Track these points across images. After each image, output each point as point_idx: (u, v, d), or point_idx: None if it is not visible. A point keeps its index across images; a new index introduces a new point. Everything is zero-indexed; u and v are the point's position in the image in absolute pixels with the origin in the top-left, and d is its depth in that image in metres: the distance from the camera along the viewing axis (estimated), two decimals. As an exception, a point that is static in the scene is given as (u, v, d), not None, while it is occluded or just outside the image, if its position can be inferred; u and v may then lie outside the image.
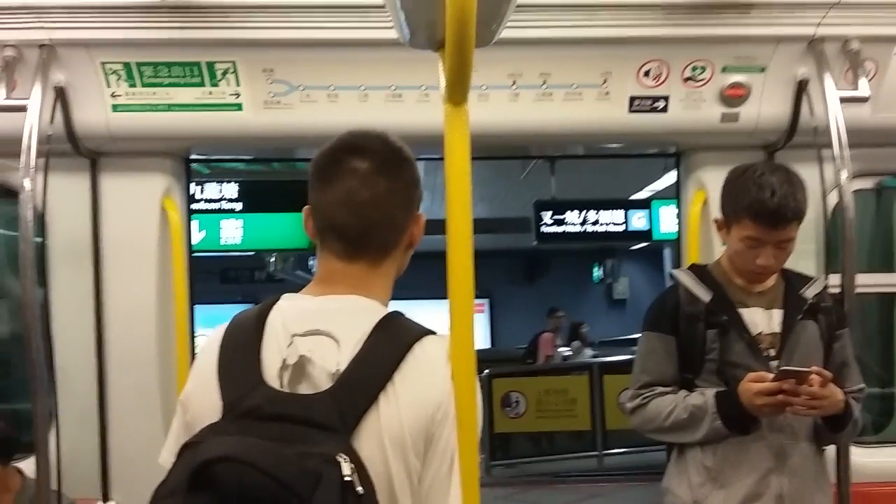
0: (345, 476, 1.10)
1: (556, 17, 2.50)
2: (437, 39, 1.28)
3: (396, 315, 1.31)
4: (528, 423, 7.84)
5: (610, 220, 8.60)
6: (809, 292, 2.21)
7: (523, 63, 2.60)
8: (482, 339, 14.62)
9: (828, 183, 2.57)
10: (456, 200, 1.27)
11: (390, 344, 1.25)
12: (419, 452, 1.22)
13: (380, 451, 1.19)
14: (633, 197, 9.66)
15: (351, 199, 1.33)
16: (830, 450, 2.35)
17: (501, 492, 7.15)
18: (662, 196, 8.97)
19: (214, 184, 6.98)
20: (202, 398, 1.26)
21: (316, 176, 1.37)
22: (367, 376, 1.21)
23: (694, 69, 2.62)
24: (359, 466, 1.13)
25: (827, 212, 2.66)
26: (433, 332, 1.31)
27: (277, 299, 1.34)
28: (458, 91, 1.24)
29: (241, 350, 1.26)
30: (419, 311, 1.34)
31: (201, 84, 2.61)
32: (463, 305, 1.26)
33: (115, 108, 2.62)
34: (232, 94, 2.62)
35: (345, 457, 1.12)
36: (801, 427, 2.14)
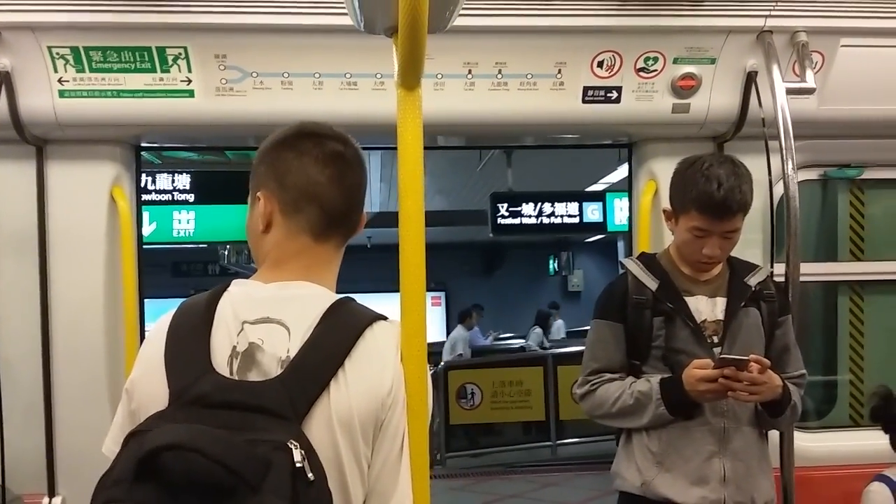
0: (295, 462, 1.10)
1: (511, 4, 2.51)
2: (391, 24, 1.28)
3: (347, 300, 1.31)
4: (484, 414, 7.89)
5: (565, 212, 8.68)
6: (753, 280, 2.26)
7: (479, 52, 2.61)
8: (438, 332, 14.65)
9: (774, 173, 2.63)
10: (408, 185, 1.28)
11: (341, 330, 1.25)
12: (369, 438, 1.22)
13: (330, 437, 1.18)
14: (589, 189, 9.76)
15: (342, 179, 1.36)
16: (774, 434, 2.41)
17: (456, 482, 7.18)
18: (616, 189, 9.09)
19: (166, 174, 6.87)
20: (148, 386, 1.24)
21: (289, 151, 1.36)
22: (317, 363, 1.21)
23: (646, 60, 2.66)
24: (309, 453, 1.13)
25: (773, 202, 2.72)
26: (384, 318, 1.31)
27: (228, 286, 1.33)
28: (411, 75, 1.25)
29: (189, 337, 1.25)
30: (373, 305, 1.34)
31: (152, 70, 2.56)
32: (414, 289, 1.27)
33: (63, 93, 2.56)
34: (183, 81, 2.58)
35: (295, 443, 1.11)
36: (742, 412, 2.18)
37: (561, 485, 7.02)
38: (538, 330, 11.95)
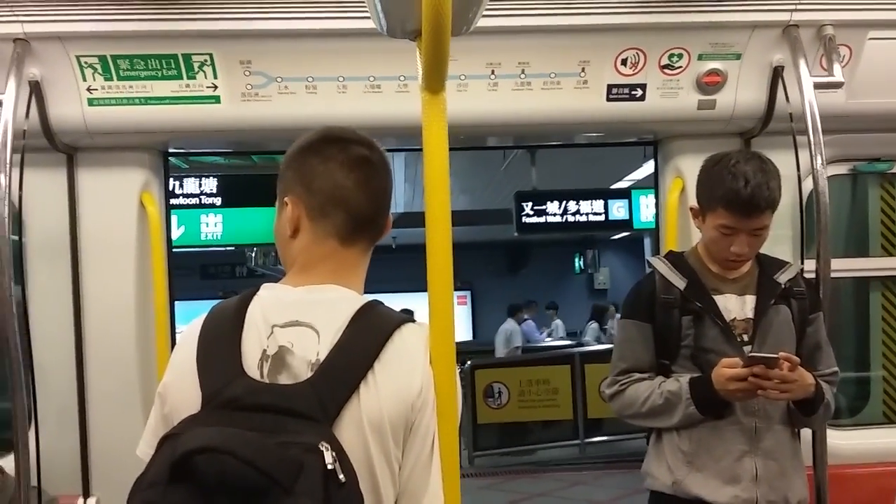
0: (327, 464, 1.11)
1: (534, 4, 2.51)
2: (414, 28, 1.29)
3: (375, 304, 1.32)
4: (511, 413, 7.89)
5: (590, 209, 8.64)
6: (783, 277, 2.23)
7: (501, 52, 2.60)
8: (464, 331, 14.65)
9: (803, 169, 2.60)
10: (434, 188, 1.28)
11: (370, 332, 1.26)
12: (399, 440, 1.23)
13: (361, 439, 1.19)
14: (614, 186, 9.71)
15: (369, 183, 1.37)
16: (806, 433, 2.39)
17: (484, 482, 7.19)
18: (642, 185, 9.02)
19: (193, 178, 6.94)
20: (181, 389, 1.26)
21: (315, 157, 1.37)
22: (347, 365, 1.22)
23: (671, 57, 2.64)
24: (340, 455, 1.14)
25: (802, 197, 2.69)
26: (412, 320, 1.32)
27: (257, 290, 1.34)
28: (435, 79, 1.25)
29: (220, 341, 1.26)
30: (400, 305, 1.35)
31: (178, 77, 2.59)
32: (442, 290, 1.28)
33: (91, 101, 2.60)
34: (209, 87, 2.61)
35: (326, 445, 1.12)
36: (774, 410, 2.16)
37: (589, 483, 7.01)
38: (594, 325, 11.98)
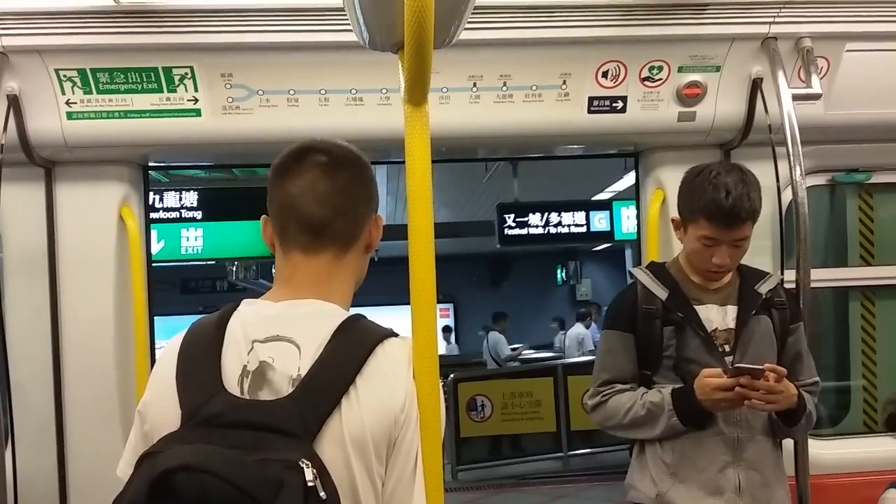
0: (307, 481, 1.09)
1: (515, 17, 2.52)
2: (396, 41, 1.29)
3: (358, 318, 1.31)
4: (494, 426, 7.86)
5: (572, 221, 8.67)
6: (763, 288, 2.25)
7: (483, 65, 2.61)
8: (448, 346, 14.61)
9: (782, 180, 2.63)
10: (417, 200, 1.28)
11: (352, 347, 1.25)
12: (382, 456, 1.22)
13: (342, 455, 1.18)
14: (595, 198, 9.75)
15: (315, 187, 1.33)
16: (788, 443, 2.39)
17: (468, 496, 7.15)
18: (623, 197, 9.07)
19: (174, 192, 6.89)
20: (161, 407, 1.24)
21: (276, 174, 1.37)
22: (328, 380, 1.21)
23: (651, 69, 2.66)
24: (321, 472, 1.12)
25: (782, 208, 2.71)
26: (395, 334, 1.30)
27: (237, 305, 1.33)
28: (417, 92, 1.25)
29: (200, 357, 1.25)
30: (383, 318, 1.34)
31: (158, 90, 2.57)
32: (425, 303, 1.27)
33: (70, 115, 2.57)
34: (190, 100, 2.59)
35: (307, 462, 1.11)
36: (756, 421, 2.17)
37: (573, 496, 7.00)
38: (578, 329, 12.04)
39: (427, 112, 1.28)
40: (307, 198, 1.33)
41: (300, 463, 1.11)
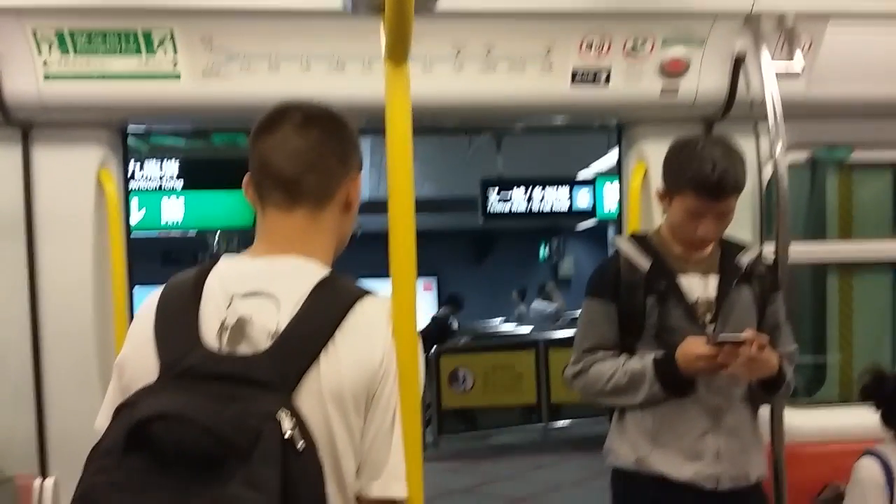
0: (285, 432, 1.10)
1: None
2: (378, 3, 1.27)
3: (337, 275, 1.31)
4: (476, 398, 7.93)
5: (555, 197, 8.68)
6: (744, 259, 2.27)
7: (467, 35, 2.59)
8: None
9: (763, 155, 2.64)
10: (397, 160, 1.28)
11: (331, 303, 1.25)
12: (360, 410, 1.22)
13: (321, 409, 1.19)
14: (579, 176, 9.76)
15: (285, 143, 1.33)
16: (764, 410, 2.43)
17: (449, 465, 7.24)
18: (607, 175, 9.08)
19: (154, 161, 6.83)
20: (138, 360, 1.25)
21: (254, 132, 1.37)
22: (307, 335, 1.21)
23: (635, 42, 2.65)
24: (299, 423, 1.13)
25: (762, 183, 2.73)
26: (373, 293, 1.31)
27: (216, 262, 1.33)
28: (398, 50, 1.24)
29: (178, 312, 1.25)
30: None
31: (138, 52, 2.53)
32: (404, 259, 1.28)
33: (48, 76, 2.53)
34: (169, 64, 2.56)
35: (286, 412, 1.12)
36: (736, 389, 2.20)
37: (552, 466, 7.10)
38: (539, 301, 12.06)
39: (408, 72, 1.27)
40: (278, 154, 1.32)
41: (278, 414, 1.11)
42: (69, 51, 2.51)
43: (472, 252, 16.47)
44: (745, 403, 2.23)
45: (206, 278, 1.28)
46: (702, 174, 2.08)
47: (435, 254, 14.62)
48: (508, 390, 8.01)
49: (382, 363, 1.24)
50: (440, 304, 15.36)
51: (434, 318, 10.07)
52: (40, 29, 2.47)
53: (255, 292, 1.25)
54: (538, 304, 11.79)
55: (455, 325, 10.05)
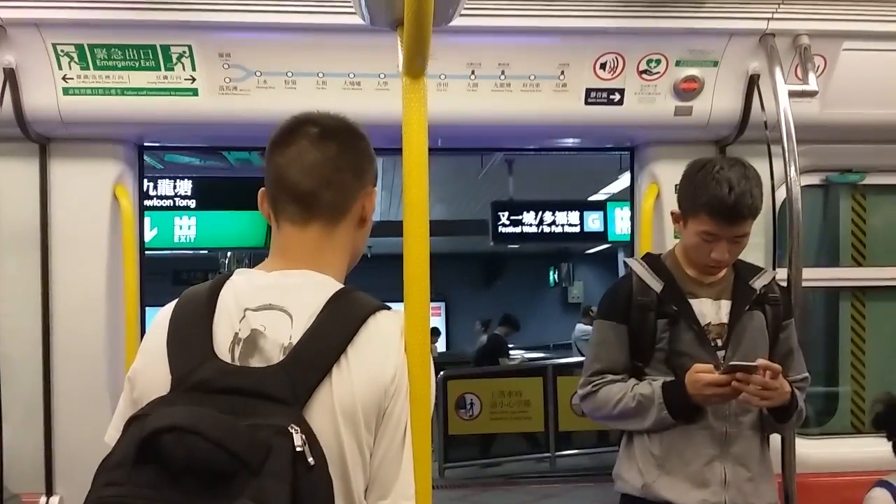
0: (296, 447, 1.09)
1: (514, 4, 2.52)
2: (396, 17, 1.29)
3: (350, 290, 1.30)
4: (483, 425, 7.86)
5: (566, 220, 8.68)
6: (758, 283, 2.24)
7: (482, 52, 2.61)
8: (439, 343, 14.58)
9: (777, 178, 2.63)
10: (413, 173, 1.28)
11: (344, 317, 1.24)
12: (371, 426, 1.21)
13: (332, 424, 1.18)
14: (590, 199, 9.77)
15: (301, 157, 1.33)
16: (775, 440, 2.40)
17: (455, 493, 7.15)
18: (618, 199, 9.09)
19: (168, 180, 6.88)
20: (151, 373, 1.24)
21: (271, 146, 1.37)
22: (319, 349, 1.20)
23: (649, 62, 2.66)
24: (310, 438, 1.12)
25: (776, 206, 2.72)
26: (387, 307, 1.30)
27: (230, 275, 1.32)
28: (416, 63, 1.25)
29: (191, 325, 1.24)
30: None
31: (156, 68, 2.56)
32: (417, 274, 1.28)
33: (67, 91, 2.56)
34: (187, 79, 2.58)
35: (296, 428, 1.11)
36: (745, 416, 2.17)
37: (559, 496, 7.00)
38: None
39: (425, 85, 1.28)
40: (294, 168, 1.32)
41: (289, 428, 1.10)
42: (88, 65, 2.53)
43: (481, 276, 16.45)
44: (754, 432, 2.20)
45: (219, 292, 1.28)
46: (718, 197, 2.06)
47: (443, 277, 14.61)
48: (515, 417, 7.95)
49: (394, 379, 1.23)
50: (448, 328, 15.35)
51: (493, 336, 10.01)
52: (60, 43, 2.50)
53: (269, 306, 1.25)
54: (582, 326, 11.71)
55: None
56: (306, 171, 1.32)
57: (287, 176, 1.32)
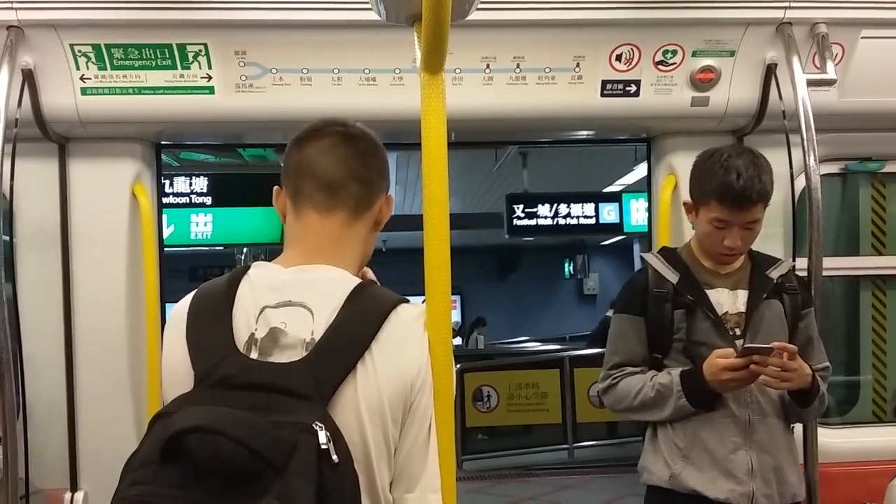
0: (321, 444, 1.09)
1: None
2: (413, 13, 1.29)
3: (369, 284, 1.31)
4: (500, 417, 7.87)
5: (581, 212, 8.66)
6: (775, 273, 2.24)
7: (497, 46, 2.60)
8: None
9: (795, 167, 2.61)
10: (432, 169, 1.28)
11: (366, 313, 1.25)
12: (398, 420, 1.22)
13: (357, 420, 1.18)
14: (605, 190, 9.73)
15: (333, 149, 1.36)
16: (797, 430, 2.38)
17: (473, 485, 7.16)
18: (632, 190, 9.05)
19: (184, 177, 6.90)
20: (172, 368, 1.26)
21: (296, 142, 1.39)
22: (343, 346, 1.21)
23: (665, 53, 2.64)
24: (335, 435, 1.12)
25: (794, 196, 2.70)
26: (407, 300, 1.31)
27: (248, 269, 1.33)
28: (434, 59, 1.25)
29: (211, 319, 1.25)
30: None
31: (172, 67, 2.57)
32: (439, 267, 1.28)
33: (85, 91, 2.58)
34: (203, 78, 2.60)
35: (321, 425, 1.11)
36: (767, 402, 2.17)
37: (578, 488, 6.99)
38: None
39: (443, 80, 1.28)
40: (326, 157, 1.35)
41: (314, 425, 1.10)
42: (106, 65, 2.55)
43: (496, 269, 16.43)
44: (777, 418, 2.19)
45: (237, 286, 1.29)
46: (726, 184, 2.07)
47: (458, 270, 14.52)
48: (533, 409, 7.94)
49: (420, 374, 1.24)
50: (463, 322, 15.31)
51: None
52: (78, 44, 2.52)
53: (289, 302, 1.25)
54: None
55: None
56: (338, 162, 1.35)
57: (317, 164, 1.35)
